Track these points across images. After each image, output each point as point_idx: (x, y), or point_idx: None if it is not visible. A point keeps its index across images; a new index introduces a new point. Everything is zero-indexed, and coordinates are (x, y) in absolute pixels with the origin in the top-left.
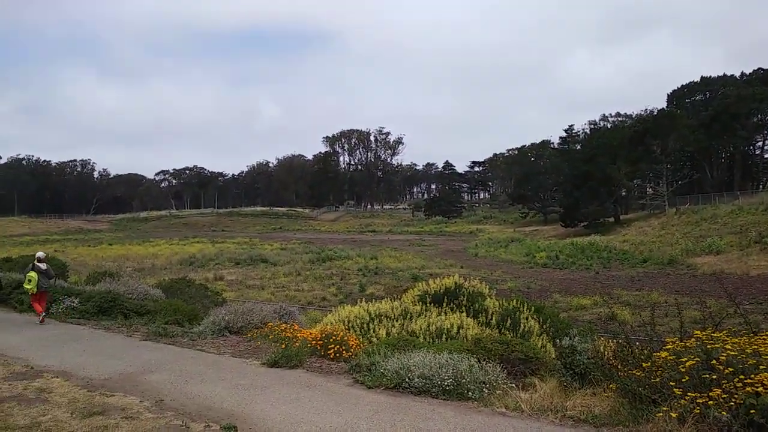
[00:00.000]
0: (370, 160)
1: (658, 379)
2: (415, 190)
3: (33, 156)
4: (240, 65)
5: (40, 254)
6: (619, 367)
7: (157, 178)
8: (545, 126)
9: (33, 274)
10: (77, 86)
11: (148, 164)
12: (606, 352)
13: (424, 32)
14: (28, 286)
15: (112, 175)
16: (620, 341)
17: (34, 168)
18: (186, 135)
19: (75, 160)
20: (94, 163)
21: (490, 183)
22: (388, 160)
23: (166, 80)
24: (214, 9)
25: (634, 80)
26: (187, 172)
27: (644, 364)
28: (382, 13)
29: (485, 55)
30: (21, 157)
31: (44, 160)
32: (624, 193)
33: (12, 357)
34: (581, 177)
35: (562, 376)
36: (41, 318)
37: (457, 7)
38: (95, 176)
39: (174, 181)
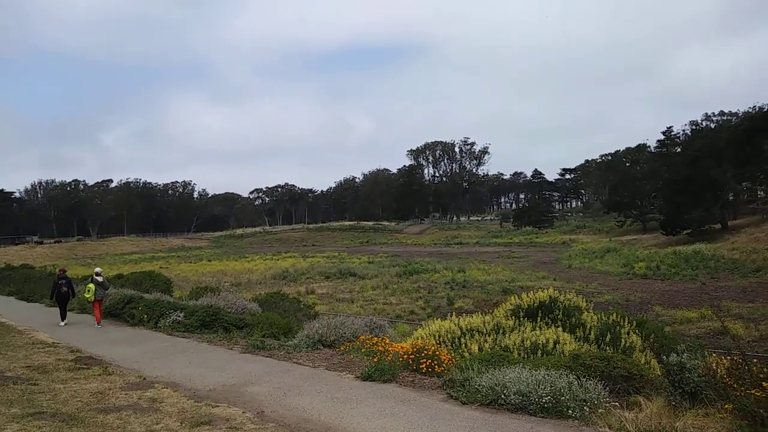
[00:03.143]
0: (455, 171)
1: None
2: (502, 200)
3: (140, 179)
4: (334, 82)
5: (97, 270)
6: (735, 386)
7: (251, 196)
8: (640, 129)
9: (92, 286)
10: (188, 110)
11: (243, 182)
12: (719, 370)
13: (511, 32)
14: (88, 296)
15: (210, 195)
16: (735, 358)
17: (141, 190)
18: (279, 153)
19: (177, 182)
20: (194, 183)
21: (582, 191)
22: (474, 170)
23: (264, 101)
24: (314, 29)
25: (749, 76)
26: (279, 189)
27: (765, 384)
28: (469, 17)
29: (578, 54)
30: (130, 180)
31: (150, 182)
32: (732, 198)
33: (127, 368)
34: (683, 181)
35: (670, 395)
36: (99, 323)
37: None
38: (195, 196)
39: (267, 199)
